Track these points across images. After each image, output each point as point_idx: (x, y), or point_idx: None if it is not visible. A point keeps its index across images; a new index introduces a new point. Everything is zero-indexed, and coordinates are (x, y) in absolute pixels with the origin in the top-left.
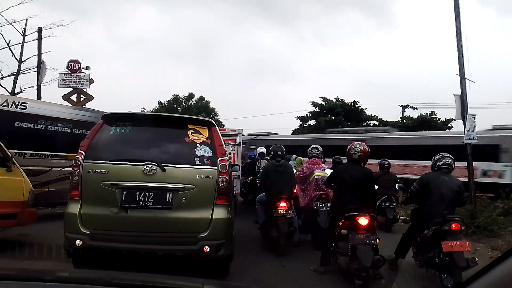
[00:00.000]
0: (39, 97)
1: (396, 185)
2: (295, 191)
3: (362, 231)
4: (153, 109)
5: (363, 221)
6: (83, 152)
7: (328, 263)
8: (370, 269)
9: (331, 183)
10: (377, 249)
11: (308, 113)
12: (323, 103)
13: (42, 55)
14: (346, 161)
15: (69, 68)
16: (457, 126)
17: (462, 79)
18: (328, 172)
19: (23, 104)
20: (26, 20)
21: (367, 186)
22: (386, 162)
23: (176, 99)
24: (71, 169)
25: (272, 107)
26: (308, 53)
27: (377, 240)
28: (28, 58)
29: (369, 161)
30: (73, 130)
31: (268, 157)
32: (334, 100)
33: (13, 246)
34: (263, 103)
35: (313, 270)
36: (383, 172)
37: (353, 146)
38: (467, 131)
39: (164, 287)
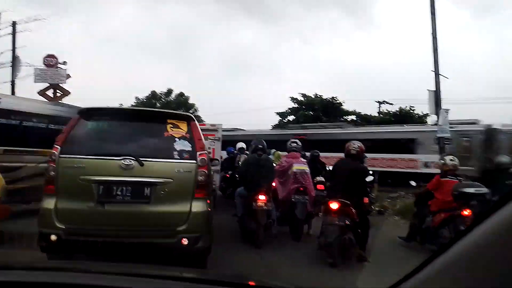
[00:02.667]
0: (13, 92)
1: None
2: (273, 184)
3: (333, 214)
4: (131, 105)
5: (334, 205)
6: (59, 147)
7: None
8: (342, 248)
9: (332, 178)
10: (345, 231)
11: (287, 109)
12: (302, 99)
13: (16, 49)
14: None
15: (45, 63)
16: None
17: (436, 75)
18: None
19: None
20: (0, 13)
21: (361, 179)
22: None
23: (154, 95)
24: (46, 164)
25: (252, 103)
26: (289, 50)
27: (346, 222)
28: (2, 53)
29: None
30: (49, 125)
31: (247, 152)
32: (313, 96)
33: None
34: (243, 99)
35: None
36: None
37: (351, 143)
38: (440, 125)
39: (141, 274)
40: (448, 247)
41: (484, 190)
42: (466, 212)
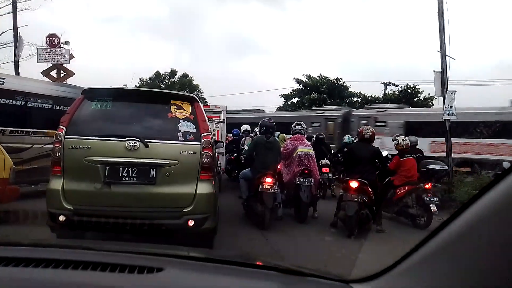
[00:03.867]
0: (16, 72)
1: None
2: (278, 167)
3: (352, 192)
4: (135, 86)
5: (354, 184)
6: (64, 128)
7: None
8: (359, 221)
9: (346, 157)
10: (363, 207)
11: (291, 91)
12: (307, 80)
13: (18, 29)
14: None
15: (48, 43)
16: (438, 103)
17: (443, 56)
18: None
19: (0, 80)
20: None
21: (376, 160)
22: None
23: (158, 76)
24: (52, 145)
25: (257, 84)
26: (294, 31)
27: (365, 199)
28: (3, 32)
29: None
30: (54, 106)
31: (252, 134)
32: (318, 78)
33: None
34: (247, 80)
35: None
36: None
37: (364, 128)
38: (446, 107)
39: (147, 253)
40: (442, 228)
41: (445, 167)
42: (428, 185)
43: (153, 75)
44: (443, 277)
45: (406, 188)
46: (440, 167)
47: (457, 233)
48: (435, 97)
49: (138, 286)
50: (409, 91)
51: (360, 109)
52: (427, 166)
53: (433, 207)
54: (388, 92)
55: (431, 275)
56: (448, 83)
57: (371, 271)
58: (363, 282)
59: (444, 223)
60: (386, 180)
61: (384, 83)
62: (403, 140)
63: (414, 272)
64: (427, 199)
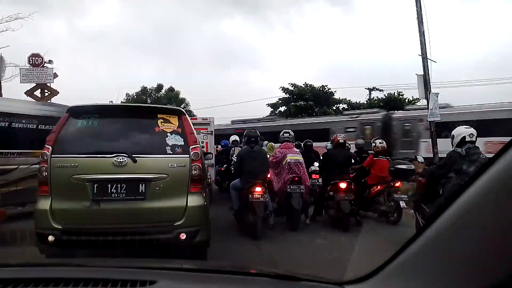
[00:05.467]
0: None
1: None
2: (268, 175)
3: (343, 192)
4: (121, 101)
5: (343, 185)
6: (50, 147)
7: (320, 214)
8: (349, 217)
9: (325, 162)
10: (352, 203)
11: (278, 100)
12: (293, 89)
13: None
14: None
15: (31, 62)
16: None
17: (424, 59)
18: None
19: None
20: None
21: (349, 163)
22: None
23: (144, 90)
24: (39, 165)
25: (243, 95)
26: (277, 42)
27: (353, 197)
28: None
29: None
30: (39, 126)
31: (241, 144)
32: (303, 86)
33: None
34: (233, 91)
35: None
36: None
37: (338, 135)
38: (431, 109)
39: (143, 267)
40: (430, 224)
41: (411, 166)
42: (398, 184)
43: (139, 90)
44: (434, 273)
45: (379, 187)
46: (407, 167)
47: (444, 229)
48: (419, 99)
49: None
50: (393, 95)
51: (400, 111)
52: (395, 166)
53: (402, 204)
54: (372, 97)
55: (423, 272)
56: (431, 86)
57: (362, 272)
58: (355, 283)
59: (430, 220)
60: (362, 180)
61: (368, 89)
62: (380, 142)
63: (406, 270)
64: (396, 196)
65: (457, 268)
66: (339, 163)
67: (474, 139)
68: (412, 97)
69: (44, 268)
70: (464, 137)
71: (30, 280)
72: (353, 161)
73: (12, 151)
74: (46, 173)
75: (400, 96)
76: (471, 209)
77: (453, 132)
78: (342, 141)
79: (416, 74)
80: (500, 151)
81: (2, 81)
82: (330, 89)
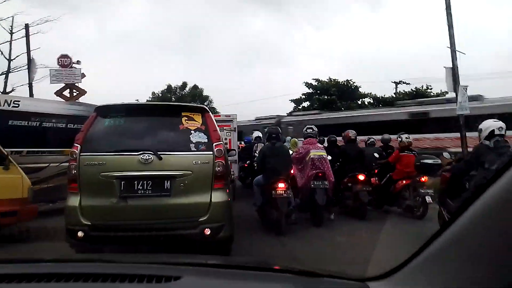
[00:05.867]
0: (31, 94)
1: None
2: (292, 171)
3: (361, 184)
4: (147, 100)
5: (361, 177)
6: (79, 145)
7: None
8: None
9: (339, 158)
10: (370, 194)
11: (301, 95)
12: (316, 84)
13: (31, 52)
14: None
15: (60, 63)
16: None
17: (453, 51)
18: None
19: (15, 102)
20: (13, 17)
21: (362, 157)
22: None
23: (169, 89)
24: (68, 163)
25: (266, 92)
26: (301, 38)
27: (370, 188)
28: (17, 56)
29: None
30: (68, 125)
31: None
32: (327, 81)
33: (16, 242)
34: (257, 88)
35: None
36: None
37: (349, 131)
38: (460, 102)
39: (168, 262)
40: (452, 221)
41: (438, 161)
42: (423, 179)
43: (164, 88)
44: (458, 269)
45: (404, 181)
46: (433, 161)
47: (468, 225)
48: (447, 92)
49: None
50: (421, 89)
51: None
52: (421, 161)
53: (428, 199)
54: (398, 91)
55: (446, 268)
56: (460, 78)
57: (385, 268)
58: (378, 280)
59: (454, 215)
60: (387, 176)
61: (395, 82)
62: (406, 138)
63: (429, 266)
64: (422, 191)
65: (482, 264)
66: (353, 158)
67: (503, 132)
68: (441, 90)
69: (75, 263)
70: (493, 130)
71: (62, 275)
72: (377, 156)
73: (43, 149)
74: (75, 171)
75: (429, 90)
76: (497, 204)
77: (480, 126)
78: (354, 137)
79: (444, 67)
80: None
81: (33, 82)
82: (354, 83)
